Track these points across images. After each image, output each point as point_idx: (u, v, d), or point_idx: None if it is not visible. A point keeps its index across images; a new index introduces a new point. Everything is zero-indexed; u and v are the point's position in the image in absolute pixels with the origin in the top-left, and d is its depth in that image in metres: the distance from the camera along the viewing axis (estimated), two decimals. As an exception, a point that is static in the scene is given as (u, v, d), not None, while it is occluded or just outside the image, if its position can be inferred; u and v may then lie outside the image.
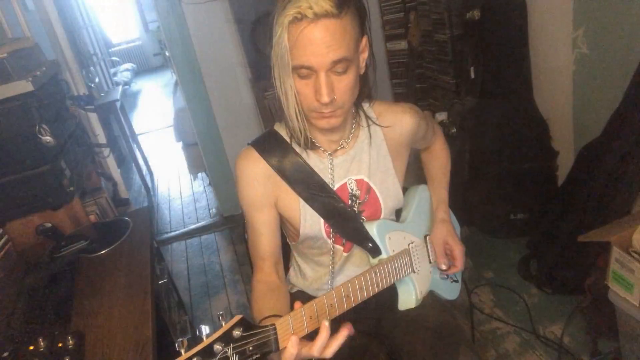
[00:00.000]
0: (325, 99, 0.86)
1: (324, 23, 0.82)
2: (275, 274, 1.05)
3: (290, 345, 0.75)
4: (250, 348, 0.71)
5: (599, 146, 1.84)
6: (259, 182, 1.01)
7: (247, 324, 0.72)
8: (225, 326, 0.70)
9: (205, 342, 0.68)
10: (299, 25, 0.82)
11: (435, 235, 1.19)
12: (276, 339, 0.75)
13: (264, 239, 1.05)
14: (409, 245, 1.12)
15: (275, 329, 0.75)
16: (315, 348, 0.77)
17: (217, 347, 0.68)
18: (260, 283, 1.03)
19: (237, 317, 0.72)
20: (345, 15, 0.83)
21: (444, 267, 1.17)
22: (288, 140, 1.02)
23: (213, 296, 2.55)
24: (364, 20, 0.90)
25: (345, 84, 0.88)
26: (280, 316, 0.82)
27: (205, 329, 0.69)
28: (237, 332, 0.70)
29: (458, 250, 1.16)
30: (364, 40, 0.92)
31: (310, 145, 1.01)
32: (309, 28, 0.82)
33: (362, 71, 0.95)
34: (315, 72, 0.86)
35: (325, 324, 0.79)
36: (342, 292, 0.89)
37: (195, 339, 0.69)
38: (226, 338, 0.69)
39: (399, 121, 1.08)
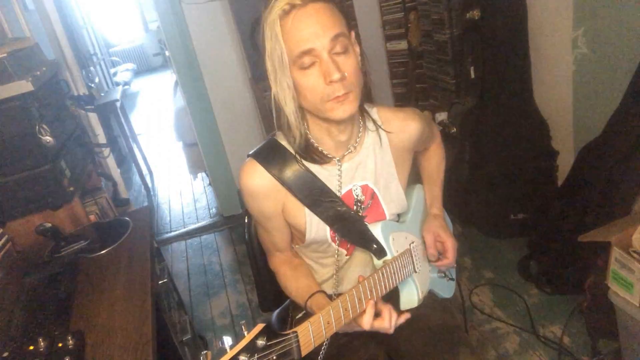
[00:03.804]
0: (337, 74, 0.84)
1: (313, 6, 0.84)
2: (293, 256, 1.15)
3: (370, 307, 0.90)
4: (274, 357, 0.71)
5: (599, 146, 1.84)
6: (266, 195, 1.00)
7: (270, 332, 0.72)
8: (249, 336, 0.70)
9: (230, 353, 0.67)
10: (290, 16, 0.84)
11: (426, 228, 1.18)
12: (298, 347, 0.75)
13: (278, 238, 1.10)
14: (410, 245, 1.12)
15: (297, 336, 0.75)
16: (386, 323, 0.93)
17: (242, 358, 0.67)
18: (284, 265, 1.12)
19: (260, 326, 0.72)
20: (329, 1, 0.87)
21: (433, 258, 1.17)
22: (289, 148, 1.00)
23: (213, 296, 2.55)
24: (346, 16, 0.92)
25: (350, 63, 0.88)
26: (323, 291, 1.03)
27: (227, 340, 0.69)
28: (260, 342, 0.70)
29: (449, 243, 1.15)
30: (352, 34, 0.92)
31: (317, 154, 1.00)
32: (300, 13, 0.84)
33: (360, 65, 0.94)
34: (317, 57, 0.85)
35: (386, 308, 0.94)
36: (355, 295, 0.89)
37: (219, 350, 0.69)
38: (250, 348, 0.69)
39: (404, 127, 1.07)
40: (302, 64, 0.86)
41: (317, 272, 1.15)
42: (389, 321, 0.92)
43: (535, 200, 2.25)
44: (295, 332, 0.75)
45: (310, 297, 1.02)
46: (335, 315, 0.84)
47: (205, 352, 0.68)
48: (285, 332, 0.74)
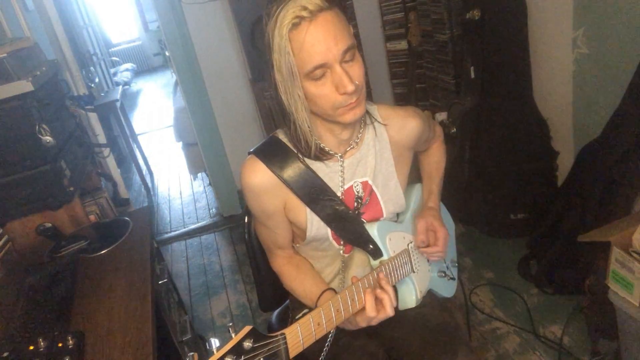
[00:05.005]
0: (351, 87, 0.85)
1: (323, 17, 0.83)
2: (295, 254, 1.14)
3: (370, 306, 0.89)
4: (261, 359, 0.71)
5: (599, 146, 1.84)
6: (267, 192, 1.00)
7: (257, 334, 0.71)
8: (236, 338, 0.70)
9: (216, 355, 0.68)
10: (300, 30, 0.82)
11: (420, 216, 1.16)
12: (286, 349, 0.75)
13: (280, 235, 1.10)
14: (408, 245, 1.12)
15: (285, 338, 0.75)
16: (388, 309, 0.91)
17: None
18: (287, 265, 1.13)
19: (247, 328, 0.72)
20: (333, 5, 0.85)
21: (422, 244, 1.14)
22: (290, 146, 1.00)
23: (213, 296, 2.55)
24: (347, 16, 0.92)
25: (357, 68, 0.88)
26: (331, 289, 1.04)
27: (215, 342, 0.69)
28: (247, 344, 0.70)
29: (441, 232, 1.13)
30: (351, 29, 0.93)
31: (320, 151, 1.00)
32: (311, 27, 0.82)
33: None
34: (329, 68, 0.85)
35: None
36: (347, 296, 0.89)
37: (206, 352, 0.69)
38: (237, 350, 0.69)
39: (404, 125, 1.08)
40: (313, 76, 0.86)
41: (320, 273, 1.15)
42: (373, 309, 0.91)
43: (535, 200, 2.25)
44: (283, 333, 0.75)
45: (318, 298, 1.03)
46: (326, 316, 0.83)
47: (191, 353, 0.68)
48: (273, 334, 0.74)
